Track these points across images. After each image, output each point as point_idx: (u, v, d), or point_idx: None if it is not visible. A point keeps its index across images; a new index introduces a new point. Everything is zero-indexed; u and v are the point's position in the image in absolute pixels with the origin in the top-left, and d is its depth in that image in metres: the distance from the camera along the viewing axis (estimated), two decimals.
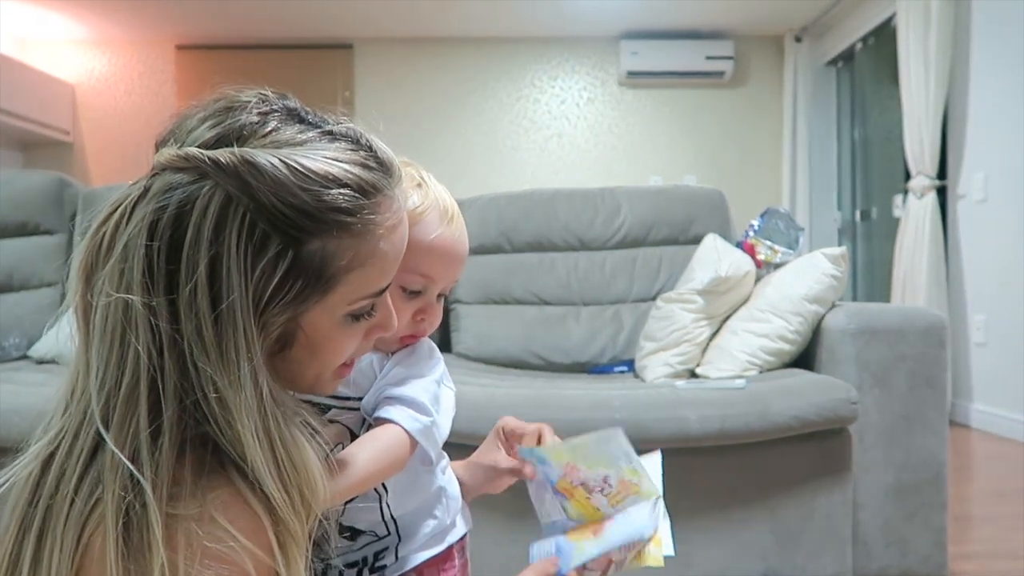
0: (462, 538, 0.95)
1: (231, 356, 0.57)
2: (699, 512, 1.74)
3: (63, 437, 0.57)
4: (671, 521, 0.85)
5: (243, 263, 0.57)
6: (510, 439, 0.97)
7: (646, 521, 0.81)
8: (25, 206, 2.72)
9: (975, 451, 3.43)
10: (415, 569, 0.89)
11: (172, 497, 0.54)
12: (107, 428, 0.55)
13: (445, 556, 0.92)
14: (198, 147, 0.58)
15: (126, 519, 0.53)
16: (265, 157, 0.58)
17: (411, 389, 0.83)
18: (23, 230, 2.73)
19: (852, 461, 1.79)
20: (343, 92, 5.55)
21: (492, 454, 0.97)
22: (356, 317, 0.67)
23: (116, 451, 0.54)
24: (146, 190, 0.58)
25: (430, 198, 0.84)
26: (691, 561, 1.74)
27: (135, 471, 0.53)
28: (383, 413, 0.80)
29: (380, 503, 0.86)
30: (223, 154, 0.57)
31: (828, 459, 1.77)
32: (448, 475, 0.95)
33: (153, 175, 0.59)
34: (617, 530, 0.81)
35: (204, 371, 0.56)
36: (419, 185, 0.84)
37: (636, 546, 0.80)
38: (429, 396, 0.83)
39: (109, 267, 0.57)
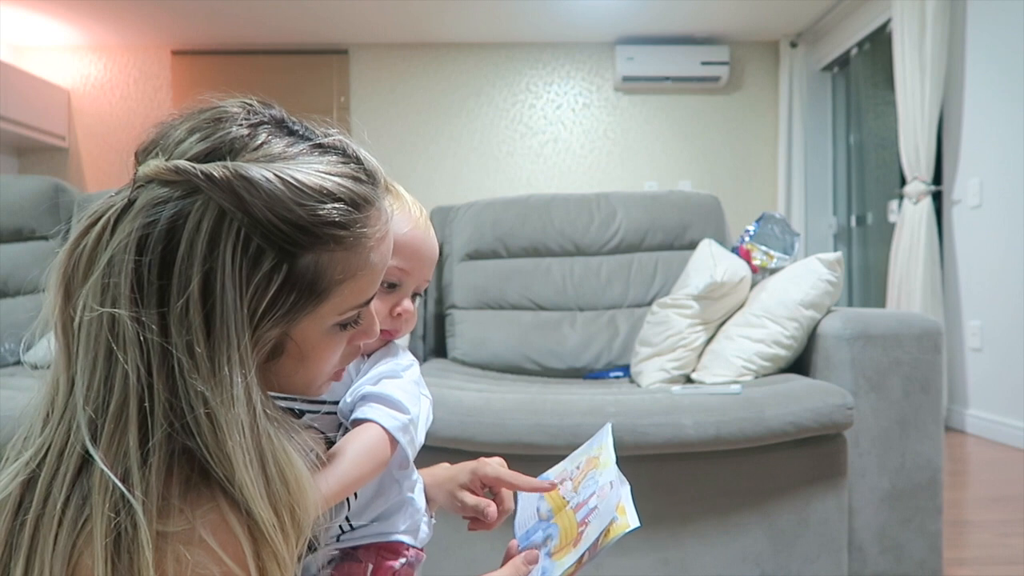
0: (418, 548, 0.93)
1: (224, 372, 0.56)
2: (694, 517, 1.74)
3: (44, 456, 0.56)
4: (631, 487, 0.87)
5: (238, 278, 0.57)
6: (487, 485, 0.98)
7: (612, 503, 0.83)
8: (20, 212, 2.72)
9: (970, 456, 3.43)
10: (363, 547, 0.87)
11: (160, 513, 0.53)
12: (95, 448, 0.54)
13: (393, 547, 0.89)
14: (188, 160, 0.58)
15: (116, 540, 0.52)
16: (260, 171, 0.57)
17: (387, 387, 0.84)
18: (18, 235, 2.72)
19: (847, 466, 1.79)
20: (339, 97, 5.55)
21: (460, 490, 0.97)
22: (343, 326, 0.67)
23: (107, 472, 0.53)
24: (130, 202, 0.57)
25: (400, 199, 0.88)
26: (687, 566, 1.74)
27: (126, 492, 0.52)
28: (360, 414, 0.81)
29: (347, 512, 0.85)
30: (216, 168, 0.56)
31: (823, 464, 1.77)
32: (417, 491, 0.95)
33: (138, 187, 0.58)
34: (591, 532, 0.82)
35: (194, 387, 0.55)
36: (387, 189, 0.86)
37: (605, 529, 0.82)
38: (406, 395, 0.84)
39: (92, 281, 0.56)
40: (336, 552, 0.86)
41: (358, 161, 0.65)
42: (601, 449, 0.95)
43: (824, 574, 1.76)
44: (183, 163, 0.57)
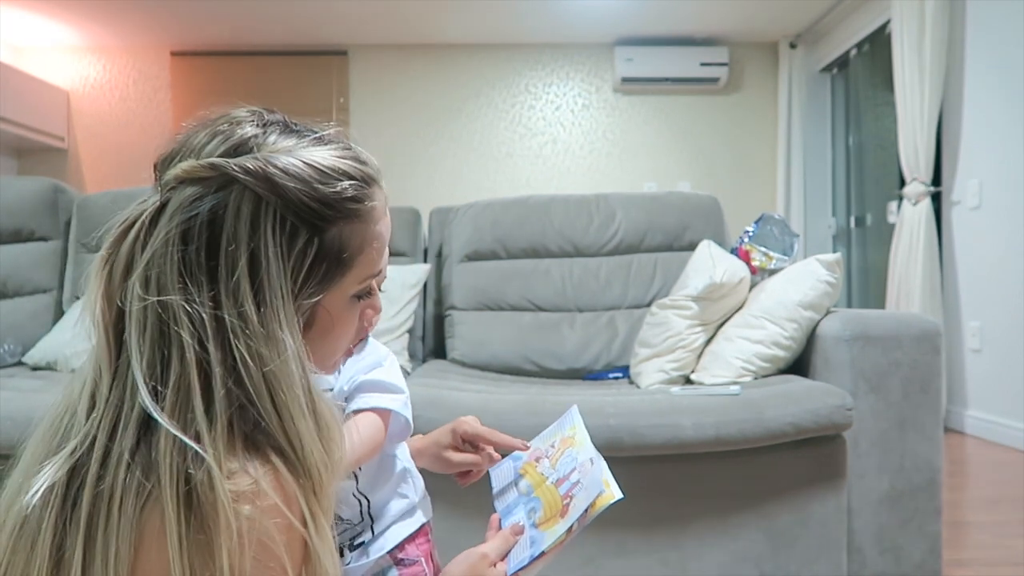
0: (426, 522, 1.04)
1: (277, 336, 0.62)
2: (694, 518, 1.74)
3: (93, 440, 0.58)
4: (606, 462, 0.93)
5: (280, 253, 0.63)
6: (467, 440, 1.07)
7: (596, 477, 0.89)
8: (19, 213, 2.72)
9: (970, 457, 3.43)
10: (397, 547, 0.97)
11: (229, 473, 0.58)
12: (163, 416, 0.57)
13: (420, 532, 1.00)
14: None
15: (189, 502, 0.55)
16: (287, 159, 0.65)
17: (379, 375, 0.98)
18: (17, 236, 2.72)
19: (847, 467, 1.79)
20: (338, 98, 5.55)
21: (445, 451, 1.07)
22: (359, 297, 0.74)
23: (182, 436, 0.56)
24: (163, 205, 0.63)
25: None
26: (686, 567, 1.74)
27: (203, 453, 0.56)
28: (362, 404, 0.94)
29: (356, 485, 0.95)
30: (249, 160, 0.63)
31: (823, 465, 1.77)
32: (408, 458, 1.06)
33: (169, 189, 0.63)
34: (579, 503, 0.88)
35: (252, 349, 0.61)
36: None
37: (593, 502, 0.87)
38: (395, 378, 0.99)
39: (135, 277, 0.60)
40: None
41: (352, 149, 0.73)
42: (575, 430, 1.03)
43: (823, 575, 1.76)
44: (217, 159, 0.63)
